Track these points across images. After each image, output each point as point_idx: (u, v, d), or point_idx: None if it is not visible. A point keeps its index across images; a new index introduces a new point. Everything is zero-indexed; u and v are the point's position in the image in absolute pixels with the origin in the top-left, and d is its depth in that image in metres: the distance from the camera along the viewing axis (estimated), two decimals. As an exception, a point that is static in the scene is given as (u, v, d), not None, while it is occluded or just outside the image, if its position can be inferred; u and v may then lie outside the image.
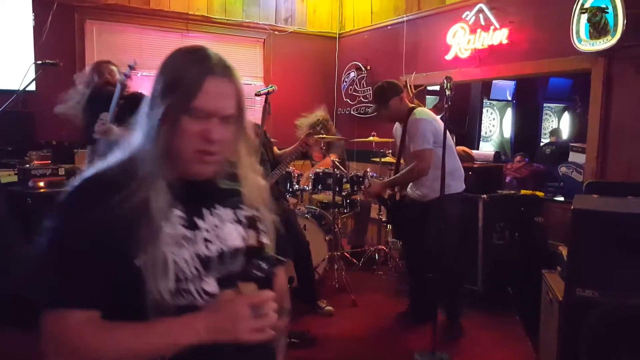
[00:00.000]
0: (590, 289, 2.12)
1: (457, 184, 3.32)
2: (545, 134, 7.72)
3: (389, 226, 4.77)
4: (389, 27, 5.76)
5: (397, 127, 3.57)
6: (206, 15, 5.76)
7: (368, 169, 4.56)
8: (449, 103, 2.75)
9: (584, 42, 3.65)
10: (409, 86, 5.24)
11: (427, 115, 3.33)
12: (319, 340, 3.18)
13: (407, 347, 3.13)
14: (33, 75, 3.89)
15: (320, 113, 4.86)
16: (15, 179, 3.94)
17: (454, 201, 3.27)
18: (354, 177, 4.38)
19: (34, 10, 4.76)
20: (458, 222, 3.31)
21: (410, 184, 3.46)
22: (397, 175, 3.50)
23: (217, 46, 5.91)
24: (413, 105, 3.48)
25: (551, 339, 2.54)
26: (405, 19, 5.47)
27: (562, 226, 3.82)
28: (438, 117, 3.44)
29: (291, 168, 4.40)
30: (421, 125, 3.22)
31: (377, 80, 5.93)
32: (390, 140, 4.29)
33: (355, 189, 4.38)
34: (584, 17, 3.60)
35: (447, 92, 2.73)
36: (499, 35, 4.34)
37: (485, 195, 3.78)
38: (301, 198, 4.64)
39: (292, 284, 3.87)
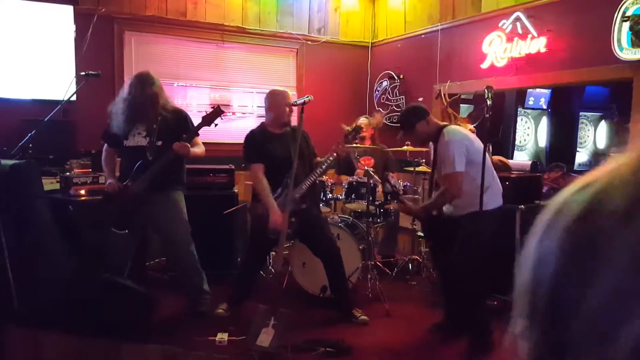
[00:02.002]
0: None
1: (492, 200, 3.23)
2: (581, 143, 7.56)
3: (421, 233, 4.72)
4: (422, 36, 5.74)
5: (431, 144, 3.52)
6: (241, 26, 5.84)
7: (401, 182, 4.52)
8: (490, 113, 2.72)
9: (626, 51, 3.57)
10: (442, 95, 5.21)
11: (458, 135, 3.24)
12: (354, 350, 3.16)
13: (443, 358, 3.09)
14: (75, 86, 4.00)
15: (363, 120, 4.88)
16: (57, 186, 4.05)
17: (487, 219, 3.15)
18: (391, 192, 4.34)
19: (75, 22, 4.90)
20: (490, 241, 3.18)
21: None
22: (430, 201, 3.45)
23: (252, 56, 6.01)
24: (444, 123, 3.43)
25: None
26: (439, 27, 5.44)
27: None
28: (469, 132, 3.38)
29: (325, 177, 4.42)
30: (451, 148, 3.15)
31: (410, 89, 5.97)
32: (425, 149, 4.26)
33: (389, 198, 4.36)
34: (626, 25, 3.53)
35: (488, 102, 2.70)
36: (537, 44, 4.28)
37: (522, 206, 3.72)
38: (334, 207, 4.64)
39: (326, 293, 3.88)
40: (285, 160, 3.55)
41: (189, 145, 3.32)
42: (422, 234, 4.57)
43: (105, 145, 3.60)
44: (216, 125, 3.42)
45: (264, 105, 3.80)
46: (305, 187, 3.54)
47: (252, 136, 3.70)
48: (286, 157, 3.56)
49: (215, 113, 3.38)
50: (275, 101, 3.67)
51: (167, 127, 3.38)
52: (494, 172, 3.39)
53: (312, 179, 3.57)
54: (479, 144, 3.22)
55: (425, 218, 3.65)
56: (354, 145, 4.66)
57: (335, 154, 3.62)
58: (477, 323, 3.28)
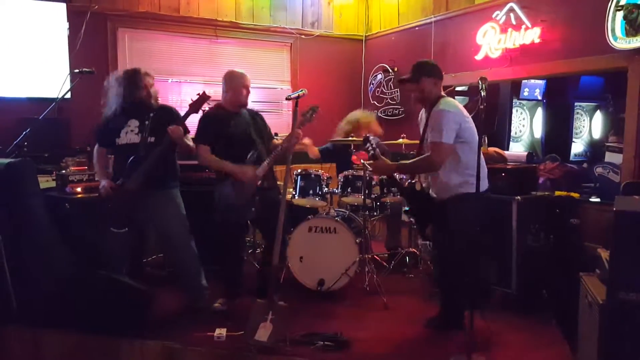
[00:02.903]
0: (634, 292, 2.08)
1: (480, 184, 3.20)
2: (576, 134, 7.57)
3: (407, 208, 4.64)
4: (416, 28, 5.74)
5: (423, 115, 3.40)
6: (234, 21, 5.83)
7: (320, 170, 4.40)
8: (484, 104, 2.71)
9: (620, 40, 3.58)
10: (437, 87, 5.21)
11: (454, 108, 3.13)
12: (352, 343, 3.17)
13: (442, 351, 3.09)
14: (70, 83, 3.99)
15: (357, 114, 4.89)
16: (53, 184, 4.04)
17: (471, 201, 3.06)
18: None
19: (68, 20, 4.88)
20: (475, 225, 3.07)
21: (429, 179, 3.33)
22: (408, 161, 3.29)
23: (245, 51, 6.00)
24: (444, 95, 3.27)
25: (591, 342, 2.49)
26: (433, 19, 5.44)
27: (599, 228, 3.75)
28: (467, 113, 3.24)
29: (320, 171, 4.41)
30: (444, 117, 3.04)
31: (405, 82, 5.96)
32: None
33: (385, 191, 4.36)
34: (620, 14, 3.54)
35: (482, 93, 2.69)
36: (531, 35, 4.29)
37: (519, 197, 3.73)
38: (330, 201, 4.64)
39: (324, 287, 3.89)
40: (244, 138, 3.60)
41: (181, 129, 3.33)
42: (406, 209, 4.47)
43: (97, 145, 3.59)
44: (204, 111, 3.44)
45: (221, 86, 3.77)
46: (265, 167, 3.55)
47: (206, 116, 3.66)
48: (245, 136, 3.61)
49: (202, 99, 3.41)
50: (232, 83, 3.68)
51: (158, 123, 3.38)
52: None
53: (270, 160, 3.57)
54: (474, 126, 3.14)
55: (407, 190, 3.56)
56: (349, 139, 4.67)
57: (291, 136, 3.51)
58: (453, 301, 3.28)
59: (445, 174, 3.15)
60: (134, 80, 3.40)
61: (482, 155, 3.21)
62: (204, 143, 3.58)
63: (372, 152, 3.37)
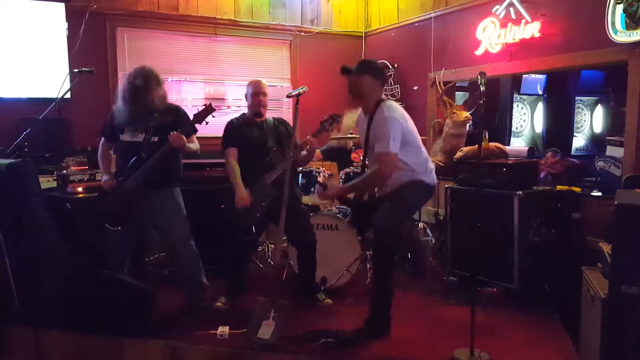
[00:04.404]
0: (636, 285, 2.08)
1: (426, 177, 3.19)
2: (578, 128, 7.56)
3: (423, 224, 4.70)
4: (416, 24, 5.73)
5: (361, 115, 3.34)
6: (233, 19, 5.82)
7: (321, 167, 4.39)
8: (484, 99, 2.71)
9: (620, 33, 3.57)
10: (437, 83, 5.20)
11: (399, 114, 3.06)
12: (354, 340, 3.16)
13: (444, 346, 3.09)
14: (69, 83, 3.99)
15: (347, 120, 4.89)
16: (54, 184, 4.04)
17: (417, 185, 3.13)
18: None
19: (67, 19, 4.88)
20: (413, 211, 3.31)
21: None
22: (357, 179, 3.23)
23: (245, 49, 5.99)
24: (383, 98, 3.21)
25: (593, 336, 2.49)
26: (432, 15, 5.43)
27: (601, 222, 3.74)
28: (403, 110, 3.22)
29: (322, 168, 4.41)
30: (391, 125, 2.98)
31: (405, 78, 5.96)
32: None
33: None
34: (620, 7, 3.52)
35: (482, 88, 2.69)
36: (531, 29, 4.28)
37: (520, 192, 3.72)
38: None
39: (326, 284, 3.89)
40: (259, 146, 3.62)
41: (183, 137, 3.30)
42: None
43: (102, 139, 3.58)
44: (207, 123, 3.41)
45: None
46: (277, 174, 3.55)
47: (229, 124, 3.78)
48: (261, 143, 3.63)
49: (207, 111, 3.35)
50: (247, 91, 3.75)
51: (164, 124, 3.36)
52: None
53: (285, 165, 3.56)
54: (412, 123, 3.16)
55: (353, 203, 3.43)
56: (349, 136, 4.67)
57: (307, 146, 3.59)
58: (383, 296, 3.23)
59: (392, 179, 3.11)
60: (145, 88, 3.32)
61: (424, 151, 3.21)
62: (227, 147, 3.67)
63: (324, 187, 3.35)
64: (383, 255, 3.17)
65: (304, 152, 3.63)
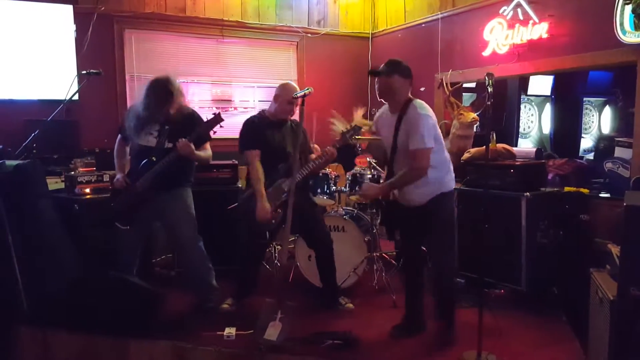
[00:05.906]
0: (646, 288, 2.06)
1: (451, 181, 3.23)
2: (585, 129, 7.52)
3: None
4: (423, 25, 5.72)
5: (385, 115, 3.33)
6: (240, 20, 5.83)
7: (328, 169, 4.40)
8: (492, 100, 2.70)
9: (629, 34, 3.54)
10: (444, 84, 5.19)
11: (428, 110, 3.12)
12: (361, 341, 3.16)
13: (452, 348, 3.09)
14: (77, 85, 4.01)
15: (358, 119, 4.84)
16: (62, 185, 4.07)
17: (450, 199, 3.23)
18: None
19: (75, 22, 4.90)
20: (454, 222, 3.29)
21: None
22: (395, 178, 3.21)
23: (252, 51, 6.00)
24: (411, 97, 3.22)
25: (601, 338, 2.47)
26: (439, 16, 5.42)
27: (609, 224, 3.72)
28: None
29: (328, 170, 4.41)
30: (425, 122, 3.02)
31: (412, 79, 5.91)
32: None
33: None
34: (628, 8, 3.50)
35: (489, 89, 2.67)
36: (539, 30, 4.26)
37: (528, 193, 3.71)
38: (339, 199, 4.64)
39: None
40: (280, 149, 3.57)
41: (191, 145, 3.30)
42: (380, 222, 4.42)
43: (119, 136, 3.60)
44: (215, 132, 3.40)
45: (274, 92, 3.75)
46: (295, 182, 3.53)
47: (250, 123, 3.68)
48: (282, 146, 3.59)
49: (215, 121, 3.33)
50: (281, 95, 3.64)
51: (178, 129, 3.36)
52: None
53: (303, 173, 3.55)
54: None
55: (383, 203, 3.54)
56: (358, 137, 4.65)
57: (327, 155, 3.57)
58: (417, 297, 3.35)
59: (425, 178, 3.10)
60: (163, 99, 3.34)
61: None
62: (250, 149, 3.56)
63: (366, 188, 3.38)
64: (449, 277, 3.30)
65: (321, 161, 3.59)
